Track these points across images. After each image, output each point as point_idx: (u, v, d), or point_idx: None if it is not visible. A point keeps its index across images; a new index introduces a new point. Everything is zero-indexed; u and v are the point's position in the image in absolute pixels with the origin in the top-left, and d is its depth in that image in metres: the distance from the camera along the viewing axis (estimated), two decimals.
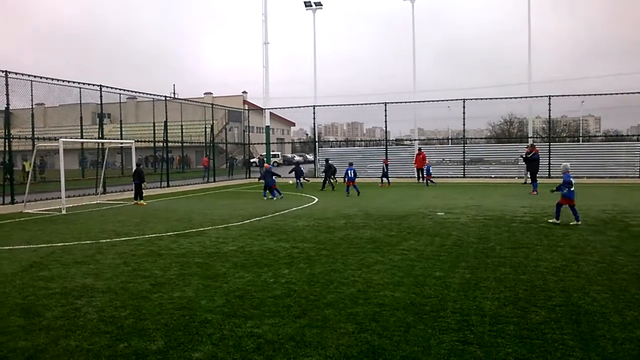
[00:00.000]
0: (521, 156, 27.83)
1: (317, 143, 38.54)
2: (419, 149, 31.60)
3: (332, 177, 26.91)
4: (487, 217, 14.80)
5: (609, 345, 5.25)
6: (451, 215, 15.28)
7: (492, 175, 31.55)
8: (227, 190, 27.85)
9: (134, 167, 22.02)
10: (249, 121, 43.24)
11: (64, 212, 18.06)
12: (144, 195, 21.36)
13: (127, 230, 13.56)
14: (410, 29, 36.82)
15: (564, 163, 14.44)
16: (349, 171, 22.79)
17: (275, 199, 21.28)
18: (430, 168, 29.68)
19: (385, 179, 29.20)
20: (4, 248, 11.35)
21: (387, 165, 30.02)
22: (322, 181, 26.86)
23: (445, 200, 19.67)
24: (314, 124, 37.36)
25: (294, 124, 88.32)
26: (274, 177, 21.94)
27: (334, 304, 6.75)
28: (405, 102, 35.12)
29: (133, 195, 21.41)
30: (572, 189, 13.14)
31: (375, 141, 55.01)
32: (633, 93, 29.87)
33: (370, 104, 35.04)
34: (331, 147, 48.75)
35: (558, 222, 13.16)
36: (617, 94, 30.53)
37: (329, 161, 27.68)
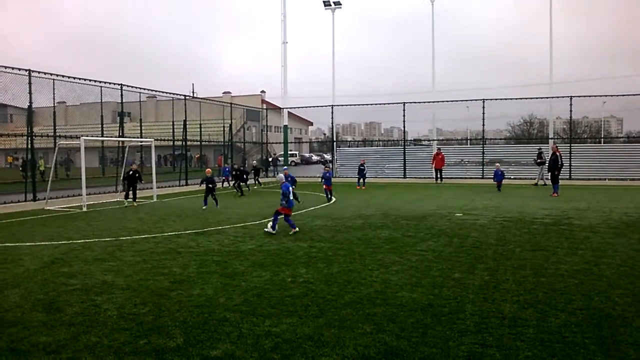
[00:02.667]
0: (534, 160, 27.59)
1: (334, 143, 38.52)
2: (438, 149, 31.41)
3: (243, 183, 24.86)
4: (507, 218, 14.66)
5: (631, 351, 5.17)
6: (470, 217, 15.16)
7: (512, 177, 31.23)
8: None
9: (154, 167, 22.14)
10: (267, 120, 43.35)
11: (84, 209, 18.30)
12: (136, 197, 20.34)
13: (146, 228, 13.69)
14: (429, 29, 36.63)
15: (279, 174, 14.98)
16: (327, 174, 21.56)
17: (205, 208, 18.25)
18: (503, 175, 24.88)
19: (362, 180, 27.59)
20: (26, 244, 11.54)
21: (364, 165, 28.51)
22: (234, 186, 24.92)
23: (464, 201, 19.53)
24: (332, 123, 37.37)
25: (311, 124, 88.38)
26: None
27: (351, 304, 6.75)
28: (424, 102, 34.97)
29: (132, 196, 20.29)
30: (291, 198, 12.79)
31: (393, 141, 54.85)
32: None
33: (388, 103, 34.99)
34: (349, 146, 48.67)
35: (274, 232, 12.29)
36: (638, 95, 30.05)
37: (239, 167, 25.73)
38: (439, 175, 30.34)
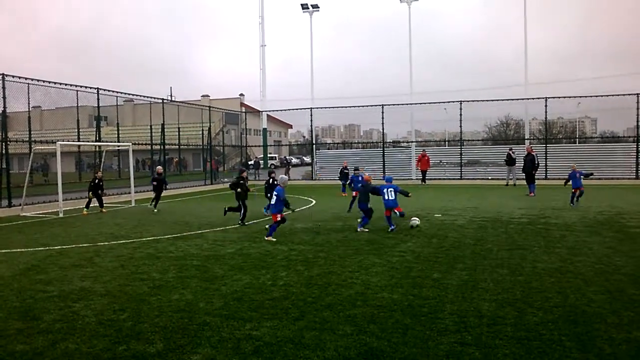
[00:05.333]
0: (505, 160, 27.91)
1: (314, 145, 38.54)
2: (423, 151, 31.55)
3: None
4: (485, 218, 14.83)
5: (606, 346, 5.27)
6: (448, 217, 15.30)
7: (489, 177, 31.58)
8: (226, 193, 27.84)
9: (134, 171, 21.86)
10: (246, 124, 43.26)
11: (61, 215, 18.04)
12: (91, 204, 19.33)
13: (124, 233, 13.56)
14: (406, 31, 36.83)
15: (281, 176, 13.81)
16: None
17: None
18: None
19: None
20: (2, 251, 11.33)
21: (347, 168, 24.61)
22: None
23: (443, 202, 19.69)
24: (311, 126, 37.37)
25: (291, 126, 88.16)
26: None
27: (332, 306, 6.77)
28: (402, 104, 35.14)
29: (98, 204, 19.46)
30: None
31: (373, 143, 55.06)
32: (629, 94, 29.97)
33: (367, 106, 35.03)
34: (328, 149, 48.76)
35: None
36: (612, 95, 30.59)
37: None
38: (425, 177, 30.34)
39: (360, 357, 5.10)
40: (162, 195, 19.60)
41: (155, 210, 18.37)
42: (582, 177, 18.03)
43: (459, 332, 5.71)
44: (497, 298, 6.97)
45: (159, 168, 20.61)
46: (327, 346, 5.38)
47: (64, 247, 11.74)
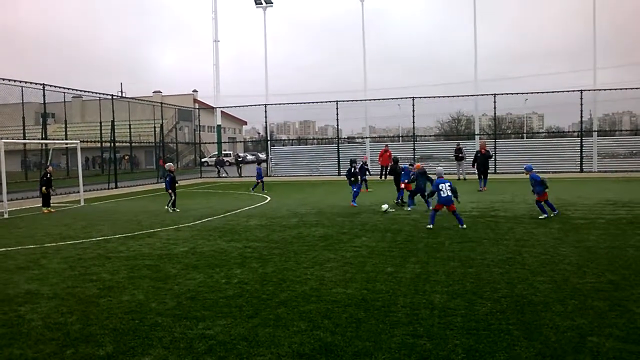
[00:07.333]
0: (455, 155, 28.58)
1: (269, 142, 38.40)
2: (386, 146, 31.78)
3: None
4: (437, 212, 15.04)
5: (551, 334, 5.46)
6: (402, 212, 15.52)
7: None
8: (178, 191, 27.37)
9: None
10: (199, 120, 42.68)
11: (6, 216, 17.37)
12: (50, 202, 19.17)
13: (73, 234, 13.17)
14: (359, 29, 37.12)
15: (438, 168, 14.21)
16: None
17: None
18: None
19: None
20: None
21: (366, 164, 24.89)
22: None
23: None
24: (266, 122, 37.22)
25: (245, 123, 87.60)
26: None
27: (286, 302, 6.77)
28: (356, 101, 35.44)
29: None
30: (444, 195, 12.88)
31: (328, 139, 55.27)
32: (573, 91, 31.12)
33: (322, 102, 35.18)
34: (283, 145, 48.67)
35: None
36: (558, 91, 31.76)
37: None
38: (385, 172, 30.49)
39: (314, 353, 5.12)
40: (111, 195, 18.96)
41: (178, 210, 17.50)
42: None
43: (411, 324, 5.80)
44: (448, 290, 7.12)
45: (171, 165, 19.31)
46: (281, 343, 5.38)
47: (9, 249, 11.30)
